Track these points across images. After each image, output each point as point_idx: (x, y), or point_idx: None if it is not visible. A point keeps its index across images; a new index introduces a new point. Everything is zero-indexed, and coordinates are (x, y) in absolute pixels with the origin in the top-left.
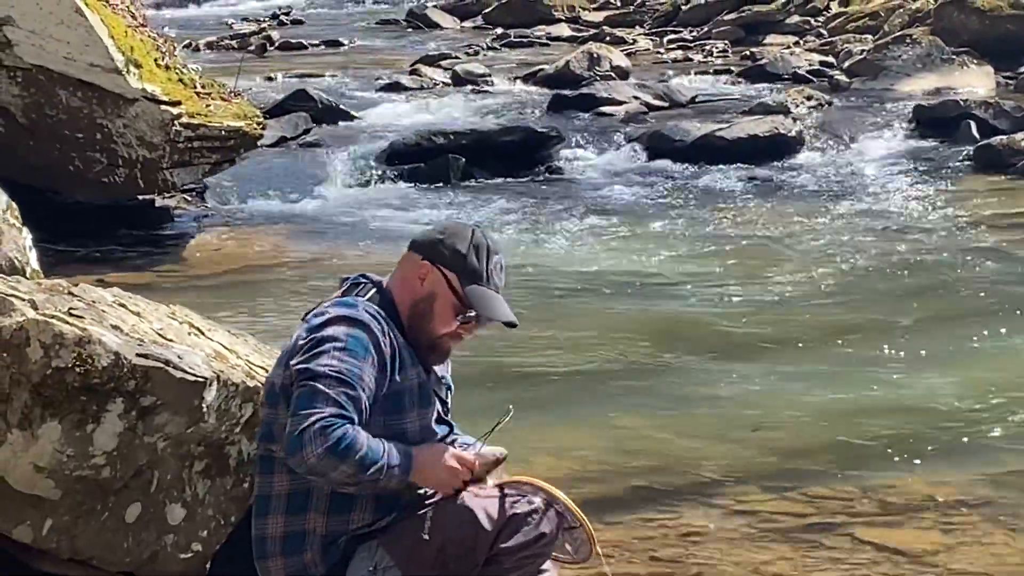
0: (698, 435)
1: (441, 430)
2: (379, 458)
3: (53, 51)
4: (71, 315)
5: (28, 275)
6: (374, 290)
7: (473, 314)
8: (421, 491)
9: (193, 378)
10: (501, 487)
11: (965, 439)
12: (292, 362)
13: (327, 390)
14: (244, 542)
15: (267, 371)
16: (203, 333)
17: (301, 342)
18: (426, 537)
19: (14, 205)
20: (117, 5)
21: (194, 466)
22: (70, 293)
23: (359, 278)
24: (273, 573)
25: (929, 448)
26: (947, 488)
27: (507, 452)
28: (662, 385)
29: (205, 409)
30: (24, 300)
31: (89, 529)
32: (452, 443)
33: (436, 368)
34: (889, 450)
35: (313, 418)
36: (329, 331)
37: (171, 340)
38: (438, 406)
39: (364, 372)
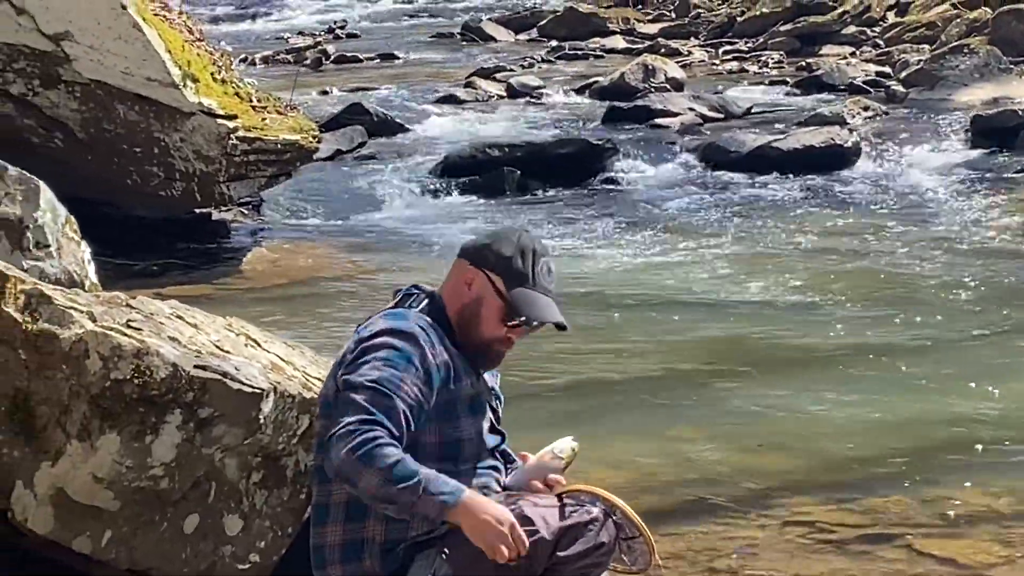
0: (755, 447)
1: (494, 439)
2: (411, 475)
3: (111, 66)
4: (129, 327)
5: (87, 288)
6: (426, 300)
7: (521, 318)
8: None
9: (250, 390)
10: (560, 496)
11: None
12: (339, 373)
13: (360, 399)
14: (302, 553)
15: (323, 383)
16: (260, 345)
17: (349, 355)
18: None
19: (72, 219)
20: (174, 20)
21: (251, 477)
22: (128, 305)
23: (411, 289)
24: None
25: (988, 458)
26: (1007, 499)
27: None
28: (717, 397)
29: (262, 421)
30: (83, 312)
31: (147, 540)
32: (506, 461)
33: (486, 377)
34: (947, 460)
35: (340, 425)
36: (375, 342)
37: (228, 352)
38: (490, 415)
39: (404, 382)
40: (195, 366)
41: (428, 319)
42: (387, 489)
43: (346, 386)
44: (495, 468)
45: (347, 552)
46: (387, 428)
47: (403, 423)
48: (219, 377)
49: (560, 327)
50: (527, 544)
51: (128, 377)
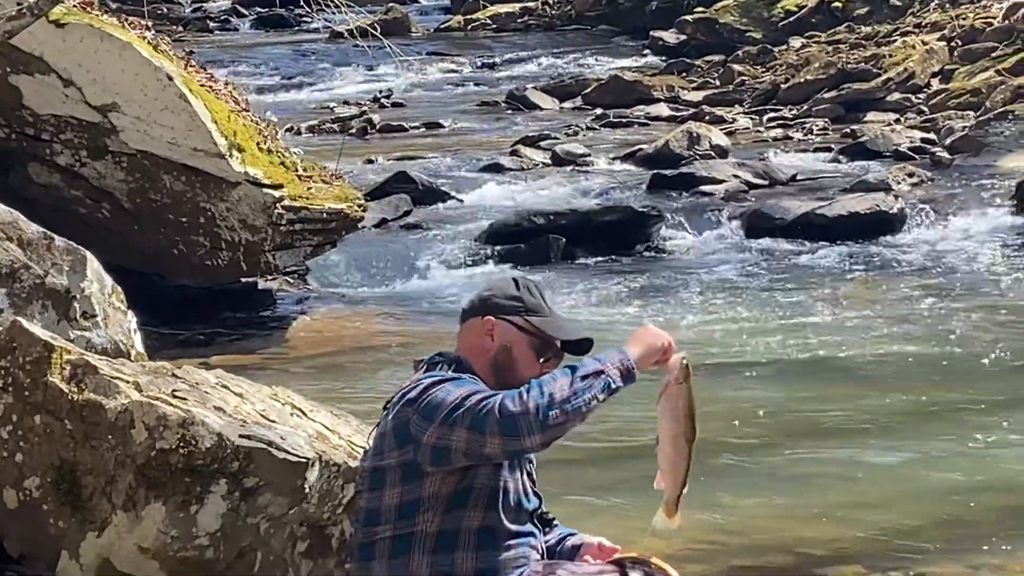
0: (803, 515)
1: (534, 502)
2: (577, 370)
3: (157, 136)
4: (175, 397)
5: (133, 358)
6: (455, 364)
7: (552, 350)
8: (515, 564)
9: (295, 459)
10: (622, 562)
11: None
12: (426, 436)
13: (476, 398)
14: None
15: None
16: (305, 414)
17: (416, 417)
18: None
19: (119, 289)
20: (220, 90)
21: (297, 547)
22: (174, 375)
23: (435, 357)
24: None
25: None
26: None
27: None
28: (763, 464)
29: (308, 490)
30: (128, 382)
31: None
32: (544, 526)
33: None
34: (999, 528)
35: (496, 410)
36: (433, 390)
37: (274, 421)
38: (526, 476)
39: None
40: (240, 435)
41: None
42: (581, 399)
43: (453, 413)
44: (532, 535)
45: None
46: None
47: None
48: (264, 446)
49: (588, 346)
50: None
51: (173, 447)
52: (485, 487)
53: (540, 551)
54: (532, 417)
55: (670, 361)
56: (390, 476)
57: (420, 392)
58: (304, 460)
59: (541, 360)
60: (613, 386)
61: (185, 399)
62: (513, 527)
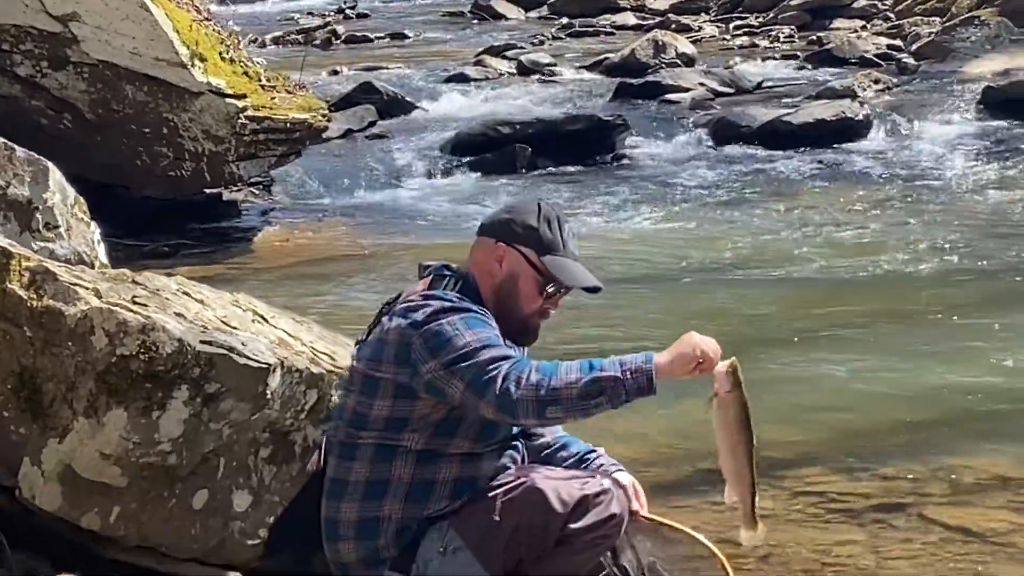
0: (765, 417)
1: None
2: (596, 365)
3: (119, 46)
4: (135, 303)
5: (97, 269)
6: (461, 282)
7: (556, 287)
8: (494, 474)
9: (257, 365)
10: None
11: None
12: (425, 369)
13: (485, 355)
14: (301, 517)
15: (332, 357)
16: (267, 320)
17: (420, 342)
18: (497, 519)
19: (82, 200)
20: (182, 0)
21: (260, 452)
22: (134, 282)
23: (443, 270)
24: (343, 555)
25: (999, 428)
26: (1017, 467)
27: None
28: None
29: (270, 396)
30: (88, 289)
31: (156, 516)
32: (527, 439)
33: None
34: (957, 430)
35: (499, 381)
36: (442, 320)
37: (235, 327)
38: None
39: (496, 332)
40: (201, 341)
41: (468, 302)
42: (589, 388)
43: (458, 360)
44: (515, 448)
45: (362, 529)
46: (523, 359)
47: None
48: (225, 352)
49: (595, 290)
50: (713, 344)
51: (134, 353)
52: (476, 420)
53: (520, 459)
54: (531, 405)
55: (715, 370)
56: (383, 388)
57: (427, 316)
58: (266, 366)
59: (545, 295)
60: (624, 398)
61: (145, 305)
62: (498, 448)
